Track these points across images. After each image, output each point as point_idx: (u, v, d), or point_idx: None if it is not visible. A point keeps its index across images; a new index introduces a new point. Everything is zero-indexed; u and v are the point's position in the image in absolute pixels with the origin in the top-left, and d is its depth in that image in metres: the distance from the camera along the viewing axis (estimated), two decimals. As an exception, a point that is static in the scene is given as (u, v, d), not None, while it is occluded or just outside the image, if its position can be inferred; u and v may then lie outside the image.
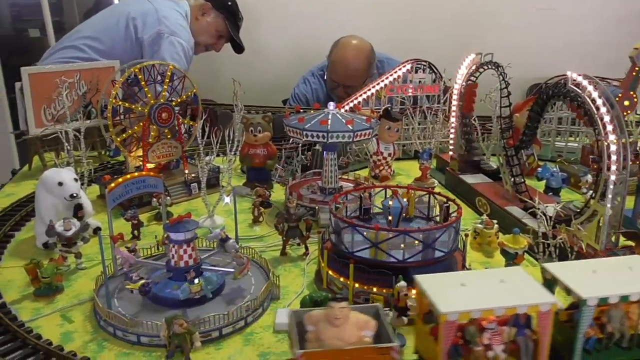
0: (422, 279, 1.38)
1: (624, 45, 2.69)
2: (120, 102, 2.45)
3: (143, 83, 2.46)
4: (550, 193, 2.54)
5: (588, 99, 1.84)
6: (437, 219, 1.94)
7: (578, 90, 1.90)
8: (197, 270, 1.71)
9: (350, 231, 1.70)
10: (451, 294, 1.32)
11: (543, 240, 1.85)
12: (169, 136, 2.60)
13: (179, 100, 2.58)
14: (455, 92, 2.77)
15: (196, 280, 1.67)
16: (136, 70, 2.43)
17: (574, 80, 1.92)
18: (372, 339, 1.32)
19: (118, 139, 2.50)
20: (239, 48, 3.97)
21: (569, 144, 3.27)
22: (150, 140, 2.54)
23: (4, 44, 4.53)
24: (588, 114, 1.85)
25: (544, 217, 1.84)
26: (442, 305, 1.26)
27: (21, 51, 4.77)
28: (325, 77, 3.98)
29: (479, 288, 1.35)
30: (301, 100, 3.98)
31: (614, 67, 2.93)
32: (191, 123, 2.67)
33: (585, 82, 1.87)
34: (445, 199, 1.88)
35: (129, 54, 3.40)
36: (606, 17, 4.53)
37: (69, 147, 2.45)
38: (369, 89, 3.15)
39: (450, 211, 1.85)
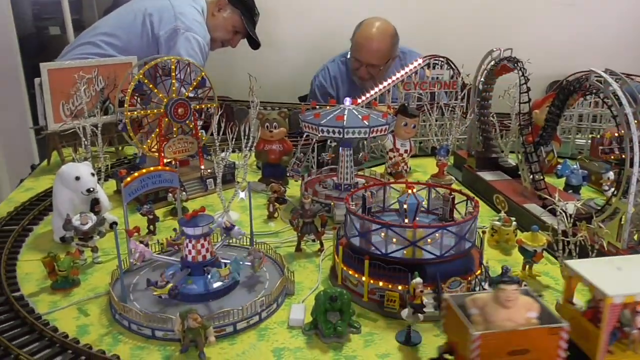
0: (574, 264, 1.41)
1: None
2: (136, 112, 2.47)
3: (151, 86, 2.47)
4: (570, 191, 2.50)
5: (610, 94, 1.80)
6: (440, 212, 1.95)
7: (600, 85, 1.87)
8: (212, 264, 1.71)
9: (385, 231, 1.68)
10: (610, 278, 1.33)
11: (563, 238, 1.82)
12: (190, 125, 2.61)
13: (190, 88, 2.58)
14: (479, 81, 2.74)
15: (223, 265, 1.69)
16: (140, 76, 2.43)
17: (597, 75, 1.88)
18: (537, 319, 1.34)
19: (144, 146, 2.52)
20: (255, 44, 3.97)
21: (589, 141, 3.21)
22: (173, 135, 2.56)
23: (25, 41, 4.59)
24: (610, 109, 1.81)
25: (564, 215, 1.81)
26: (607, 288, 1.27)
27: (42, 48, 4.84)
28: (348, 57, 3.98)
29: (636, 272, 1.37)
30: (319, 90, 3.99)
31: (637, 62, 2.86)
32: (210, 105, 2.68)
33: (608, 77, 1.83)
34: (449, 191, 1.88)
35: (145, 50, 3.41)
36: (627, 12, 4.43)
37: (86, 143, 2.46)
38: (385, 87, 3.12)
39: (456, 203, 1.84)
